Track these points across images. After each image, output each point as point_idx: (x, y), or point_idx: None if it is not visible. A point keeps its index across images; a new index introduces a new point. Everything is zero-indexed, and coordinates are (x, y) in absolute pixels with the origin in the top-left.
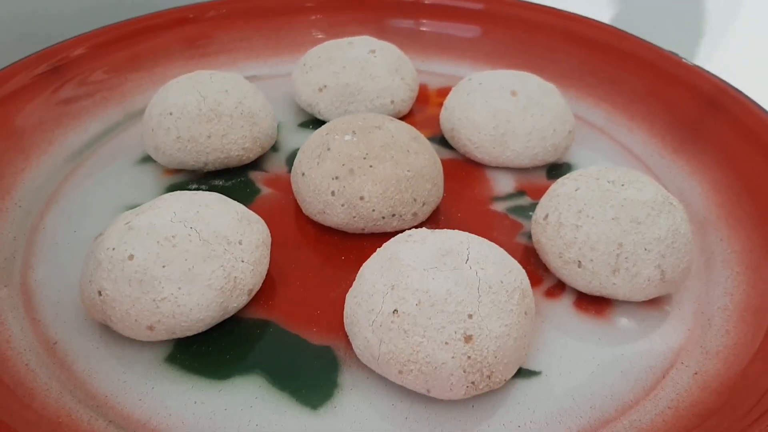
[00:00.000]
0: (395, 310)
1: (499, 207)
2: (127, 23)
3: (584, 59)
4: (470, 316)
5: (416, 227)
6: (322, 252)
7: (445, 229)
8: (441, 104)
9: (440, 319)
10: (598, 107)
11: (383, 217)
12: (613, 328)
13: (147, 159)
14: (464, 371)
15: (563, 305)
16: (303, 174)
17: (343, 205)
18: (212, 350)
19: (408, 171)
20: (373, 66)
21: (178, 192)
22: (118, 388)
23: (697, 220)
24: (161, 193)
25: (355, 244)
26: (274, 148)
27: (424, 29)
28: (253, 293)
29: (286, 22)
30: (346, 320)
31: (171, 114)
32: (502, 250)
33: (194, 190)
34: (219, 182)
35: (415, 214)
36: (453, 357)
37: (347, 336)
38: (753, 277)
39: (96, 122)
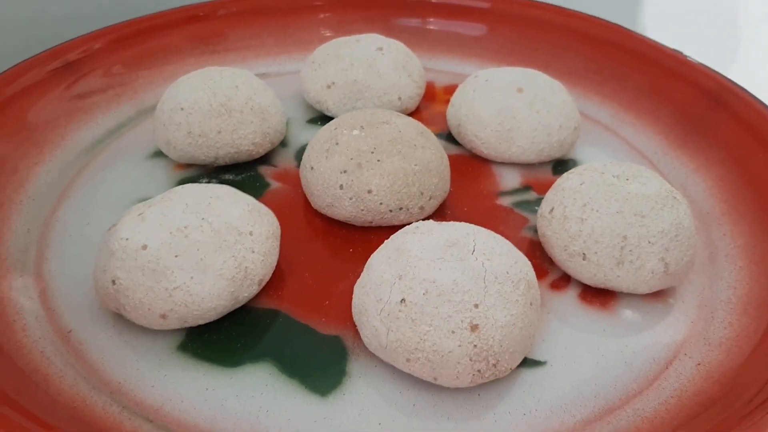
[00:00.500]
0: (403, 300)
1: (505, 201)
2: (139, 21)
3: (590, 57)
4: (476, 306)
5: (423, 221)
6: (331, 244)
7: (452, 222)
8: (447, 101)
9: (447, 309)
10: (604, 104)
11: (390, 211)
12: (617, 320)
13: (158, 154)
14: (470, 359)
15: (568, 297)
16: (312, 168)
17: (351, 199)
18: (223, 339)
19: (415, 165)
20: (381, 63)
21: (190, 184)
22: (132, 376)
23: (701, 215)
24: (172, 187)
25: (363, 237)
26: (283, 143)
27: (431, 27)
28: (263, 283)
29: (295, 21)
30: (354, 310)
31: (182, 109)
32: (508, 242)
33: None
34: (229, 177)
35: (422, 208)
36: (459, 345)
37: (355, 326)
38: (756, 271)
39: (108, 118)
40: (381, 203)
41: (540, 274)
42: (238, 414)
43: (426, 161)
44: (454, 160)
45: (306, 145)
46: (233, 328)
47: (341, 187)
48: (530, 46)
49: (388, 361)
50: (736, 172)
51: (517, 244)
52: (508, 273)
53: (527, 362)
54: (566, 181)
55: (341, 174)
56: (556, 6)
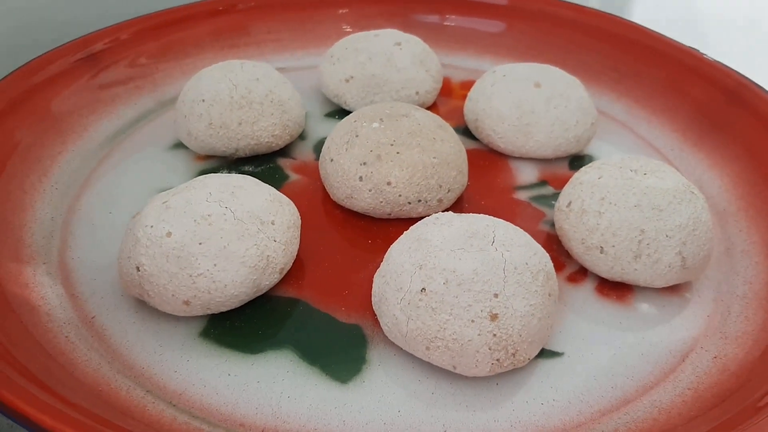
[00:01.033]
0: (423, 289)
1: (522, 196)
2: (160, 14)
3: (606, 54)
4: (496, 296)
5: (442, 212)
6: (350, 236)
7: (472, 213)
8: (464, 96)
9: (467, 298)
10: (620, 101)
11: (409, 203)
12: (634, 313)
13: (178, 145)
14: (490, 348)
15: (585, 290)
16: (332, 160)
17: (370, 190)
18: (245, 326)
19: (434, 158)
20: (399, 58)
21: (213, 174)
22: (154, 361)
23: (717, 211)
24: (193, 177)
25: (381, 229)
26: (302, 136)
27: (449, 24)
28: (284, 272)
29: (314, 16)
30: (374, 299)
31: (203, 101)
32: (526, 234)
33: None
34: (249, 168)
35: (440, 200)
36: (479, 334)
37: (375, 315)
38: None
39: (129, 109)
40: (400, 195)
41: (557, 267)
42: (259, 399)
43: (445, 154)
44: (471, 155)
45: (324, 138)
46: (255, 315)
47: (361, 178)
48: (547, 42)
49: (408, 349)
50: (752, 168)
51: (534, 238)
52: (527, 264)
53: (545, 353)
54: (584, 175)
55: (361, 166)
56: (573, 3)
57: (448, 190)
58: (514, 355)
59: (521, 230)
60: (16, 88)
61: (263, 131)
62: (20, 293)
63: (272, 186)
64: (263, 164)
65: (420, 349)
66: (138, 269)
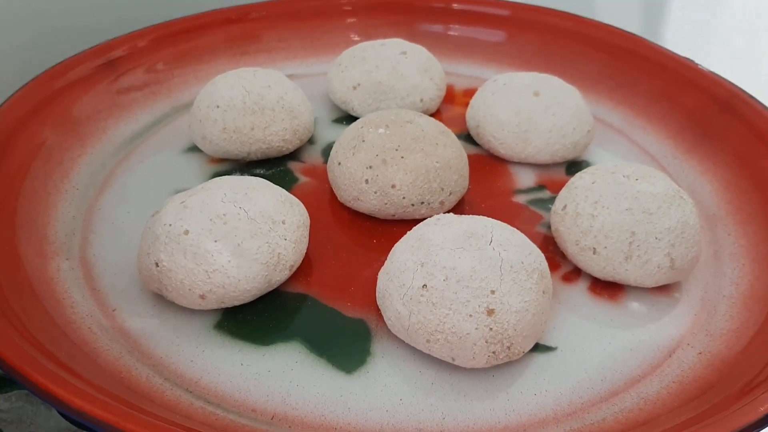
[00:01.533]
0: (424, 285)
1: (521, 199)
2: (175, 22)
3: (604, 63)
4: (493, 292)
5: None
6: (356, 235)
7: (471, 215)
8: (466, 104)
9: (465, 294)
10: (616, 110)
11: (412, 205)
12: (624, 312)
13: (193, 148)
14: (486, 342)
15: (579, 289)
16: (339, 163)
17: (375, 193)
18: (257, 319)
19: (436, 162)
20: (404, 66)
21: (227, 176)
22: (172, 351)
23: (708, 215)
24: (207, 179)
25: (386, 229)
26: (311, 140)
27: (453, 33)
28: (294, 269)
29: (323, 25)
30: (378, 295)
31: (218, 107)
32: (523, 235)
33: None
34: (260, 171)
35: (442, 203)
36: (476, 328)
37: (379, 310)
38: (758, 269)
39: (145, 113)
40: (404, 197)
41: (553, 267)
42: (270, 387)
43: (447, 158)
44: (472, 160)
45: (332, 142)
46: (266, 309)
47: (367, 181)
48: (547, 52)
49: (410, 342)
50: (742, 175)
51: (532, 239)
52: (522, 263)
53: (539, 347)
54: (579, 179)
55: (367, 169)
56: (572, 14)
57: (450, 193)
58: (509, 348)
59: (518, 231)
60: (39, 92)
61: (274, 136)
62: (46, 287)
63: (283, 188)
64: (274, 167)
65: (421, 341)
66: (157, 265)
